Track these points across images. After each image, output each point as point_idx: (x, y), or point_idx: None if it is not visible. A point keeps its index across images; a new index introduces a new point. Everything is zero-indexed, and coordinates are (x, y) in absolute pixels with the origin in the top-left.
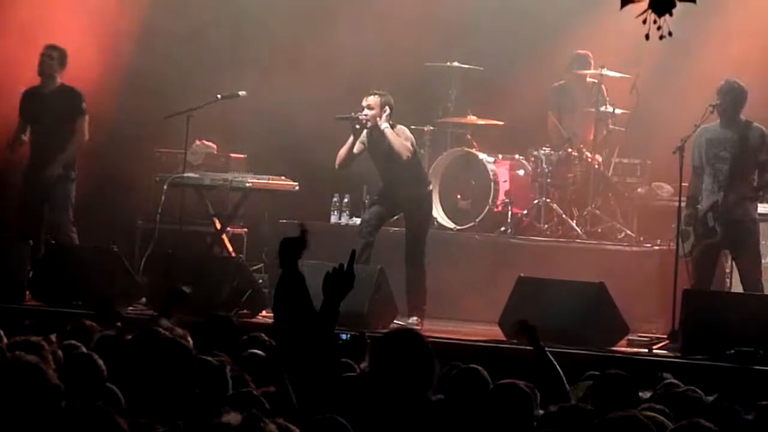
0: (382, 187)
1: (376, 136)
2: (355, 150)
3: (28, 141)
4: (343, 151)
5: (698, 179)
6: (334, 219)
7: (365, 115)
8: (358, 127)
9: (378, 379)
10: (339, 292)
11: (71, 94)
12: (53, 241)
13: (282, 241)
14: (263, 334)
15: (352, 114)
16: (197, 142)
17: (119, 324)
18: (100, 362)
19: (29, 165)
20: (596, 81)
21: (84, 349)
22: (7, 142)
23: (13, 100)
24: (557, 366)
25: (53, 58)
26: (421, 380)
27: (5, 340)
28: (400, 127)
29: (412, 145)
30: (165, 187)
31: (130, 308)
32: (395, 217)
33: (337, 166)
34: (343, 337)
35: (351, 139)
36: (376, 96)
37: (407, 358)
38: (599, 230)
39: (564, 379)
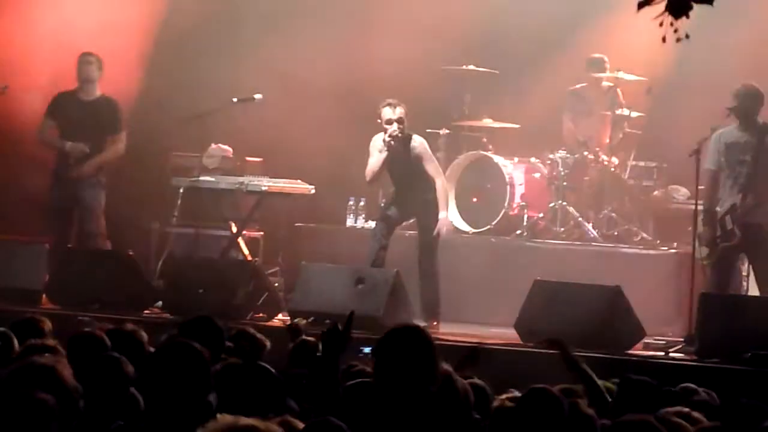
0: (395, 191)
1: (402, 147)
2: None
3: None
4: (376, 167)
5: (715, 184)
6: (349, 222)
7: (396, 130)
8: (393, 143)
9: (382, 375)
10: (335, 349)
11: (113, 106)
12: (69, 245)
13: (325, 334)
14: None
15: (394, 134)
16: (213, 146)
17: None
18: (129, 367)
19: (58, 169)
20: (612, 84)
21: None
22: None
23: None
24: (593, 375)
25: (92, 63)
26: (424, 375)
27: (17, 345)
28: (418, 138)
29: (430, 152)
30: (181, 190)
31: (146, 312)
32: (408, 221)
33: (368, 182)
34: (366, 350)
35: (386, 155)
36: (401, 107)
37: (410, 354)
38: (615, 233)
39: (600, 387)
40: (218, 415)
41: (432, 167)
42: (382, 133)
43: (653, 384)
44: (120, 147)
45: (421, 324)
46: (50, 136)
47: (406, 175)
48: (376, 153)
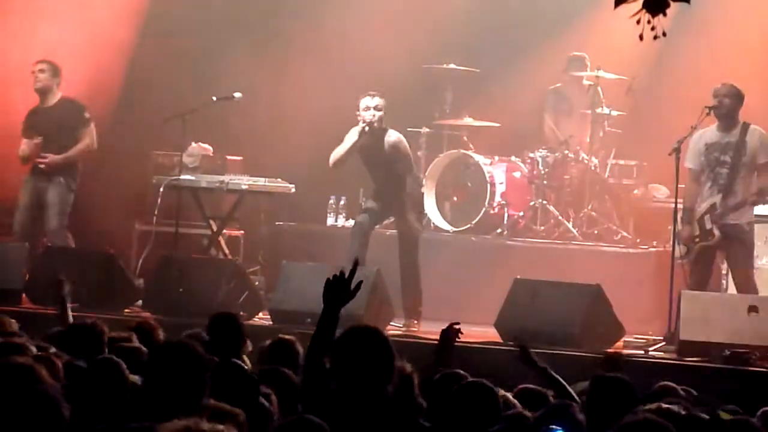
0: (374, 189)
1: (375, 139)
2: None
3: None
4: (341, 152)
5: (695, 185)
6: (330, 221)
7: (372, 116)
8: (367, 129)
9: (339, 375)
10: (338, 300)
11: (74, 106)
12: (49, 244)
13: (329, 282)
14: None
15: (369, 119)
16: (193, 145)
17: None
18: (123, 366)
19: (31, 174)
20: (593, 83)
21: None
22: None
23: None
24: (561, 380)
25: (45, 71)
26: (380, 376)
27: None
28: (394, 133)
29: (406, 147)
30: (161, 189)
31: (127, 310)
32: (388, 220)
33: (331, 165)
34: None
35: (356, 140)
36: (382, 98)
37: (367, 355)
38: (595, 232)
39: (571, 391)
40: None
41: (401, 166)
42: (359, 126)
43: (626, 381)
44: (87, 142)
45: (403, 322)
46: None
47: (383, 172)
48: (349, 142)
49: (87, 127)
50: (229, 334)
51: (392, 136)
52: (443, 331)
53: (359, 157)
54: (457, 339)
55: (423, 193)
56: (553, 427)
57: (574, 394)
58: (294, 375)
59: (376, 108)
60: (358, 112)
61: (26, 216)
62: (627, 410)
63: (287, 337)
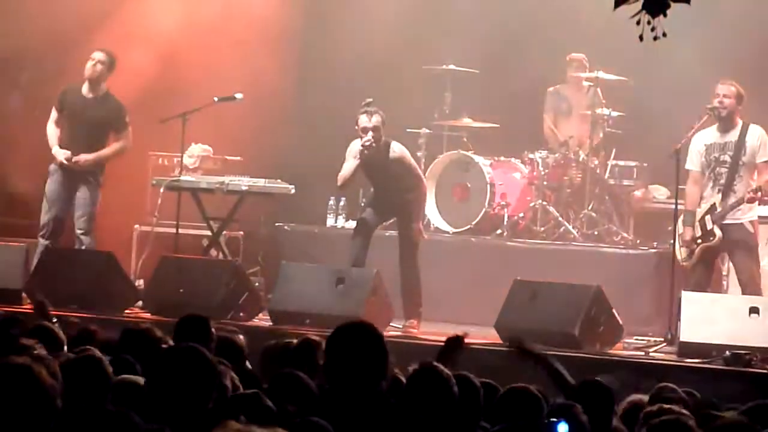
0: (373, 192)
1: (379, 154)
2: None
3: (59, 140)
4: (348, 174)
5: (696, 187)
6: (330, 222)
7: (375, 137)
8: (367, 152)
9: (332, 372)
10: None
11: (117, 105)
12: (49, 245)
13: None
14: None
15: (366, 144)
16: (193, 145)
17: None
18: (107, 364)
19: (59, 166)
20: (592, 84)
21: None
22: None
23: None
24: (564, 371)
25: (104, 63)
26: (374, 372)
27: None
28: (398, 146)
29: (410, 159)
30: (161, 190)
31: (127, 311)
32: (388, 221)
33: (339, 186)
34: None
35: (358, 162)
36: (379, 116)
37: (360, 350)
38: (596, 233)
39: (571, 382)
40: (229, 422)
41: (408, 181)
42: (359, 139)
43: (607, 387)
44: (123, 144)
45: (402, 324)
46: (52, 130)
47: (385, 178)
48: (351, 159)
49: (126, 129)
50: (197, 337)
51: (395, 150)
52: (449, 339)
53: (363, 172)
54: (461, 349)
55: (424, 194)
56: (557, 420)
57: (572, 381)
58: (310, 379)
59: (374, 129)
60: (356, 127)
61: (54, 215)
62: (606, 415)
63: (314, 338)
